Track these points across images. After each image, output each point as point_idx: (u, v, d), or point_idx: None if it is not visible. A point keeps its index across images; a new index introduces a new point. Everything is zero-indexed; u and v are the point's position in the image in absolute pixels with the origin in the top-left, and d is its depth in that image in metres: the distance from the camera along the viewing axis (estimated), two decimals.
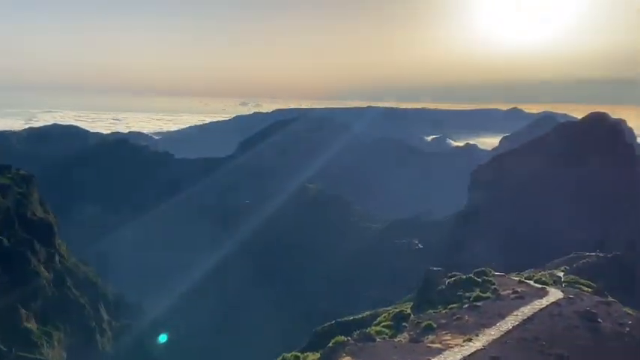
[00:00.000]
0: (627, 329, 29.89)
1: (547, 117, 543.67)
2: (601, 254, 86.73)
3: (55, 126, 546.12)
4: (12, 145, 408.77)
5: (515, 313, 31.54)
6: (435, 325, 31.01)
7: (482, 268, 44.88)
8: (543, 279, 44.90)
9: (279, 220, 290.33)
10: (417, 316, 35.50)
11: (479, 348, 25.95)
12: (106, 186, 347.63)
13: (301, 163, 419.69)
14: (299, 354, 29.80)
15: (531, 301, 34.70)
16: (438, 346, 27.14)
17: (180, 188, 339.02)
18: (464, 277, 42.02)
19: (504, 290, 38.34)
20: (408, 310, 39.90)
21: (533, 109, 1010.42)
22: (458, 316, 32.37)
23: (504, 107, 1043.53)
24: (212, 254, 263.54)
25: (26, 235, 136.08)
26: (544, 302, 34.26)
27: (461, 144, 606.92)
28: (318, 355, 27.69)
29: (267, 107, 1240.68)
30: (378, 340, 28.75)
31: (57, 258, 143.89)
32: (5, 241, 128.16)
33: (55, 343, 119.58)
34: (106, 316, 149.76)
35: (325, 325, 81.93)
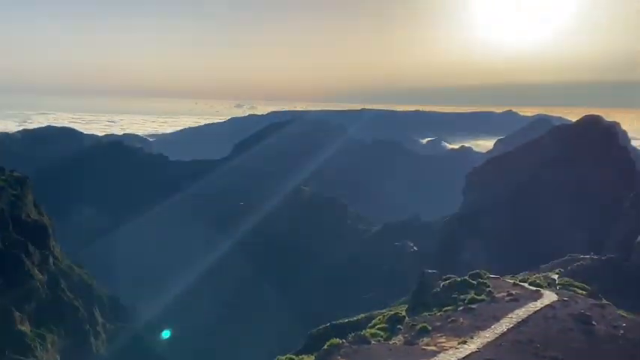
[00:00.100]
0: (621, 332, 29.97)
1: (542, 120, 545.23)
2: (595, 257, 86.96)
3: (49, 128, 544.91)
4: (6, 146, 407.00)
5: (509, 316, 31.59)
6: (429, 328, 31.05)
7: (477, 271, 44.92)
8: (538, 281, 44.99)
9: (274, 222, 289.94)
10: (412, 319, 35.52)
11: (473, 350, 25.99)
12: (100, 188, 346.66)
13: (296, 165, 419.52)
14: (294, 356, 29.80)
15: (526, 303, 34.76)
16: (433, 348, 27.16)
17: (175, 190, 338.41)
18: (458, 279, 42.06)
19: (499, 293, 38.39)
20: (403, 313, 39.93)
21: (528, 111, 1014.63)
22: (453, 318, 32.40)
23: (499, 110, 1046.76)
24: (207, 256, 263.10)
25: (20, 237, 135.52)
26: (538, 305, 34.33)
27: (456, 146, 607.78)
28: (313, 357, 27.70)
29: (261, 109, 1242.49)
30: (372, 342, 28.79)
31: (51, 260, 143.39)
32: None
33: (49, 346, 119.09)
34: (100, 319, 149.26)
35: (320, 327, 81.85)
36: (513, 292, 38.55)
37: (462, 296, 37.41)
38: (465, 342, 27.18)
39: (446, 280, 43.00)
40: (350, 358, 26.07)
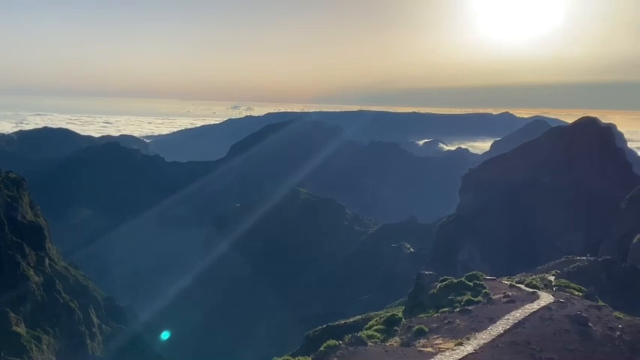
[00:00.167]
0: (618, 333, 29.96)
1: (538, 121, 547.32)
2: (592, 258, 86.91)
3: (45, 129, 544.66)
4: (2, 147, 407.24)
5: (506, 317, 31.55)
6: (426, 329, 31.01)
7: (474, 272, 44.85)
8: (534, 283, 44.96)
9: (270, 223, 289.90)
10: (409, 320, 35.48)
11: (470, 352, 25.95)
12: (96, 189, 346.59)
13: (293, 166, 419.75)
14: (290, 358, 29.71)
15: (522, 305, 34.72)
16: (430, 350, 27.13)
17: (171, 192, 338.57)
18: (455, 280, 42.01)
19: (495, 294, 38.36)
20: (400, 314, 39.87)
21: (525, 113, 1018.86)
22: (449, 320, 32.37)
23: (496, 112, 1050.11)
24: (203, 257, 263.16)
25: (16, 239, 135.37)
26: (535, 306, 34.29)
27: (453, 148, 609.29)
28: (309, 358, 27.60)
29: (258, 111, 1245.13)
30: (369, 344, 28.72)
31: (47, 261, 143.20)
32: None
33: (45, 347, 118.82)
34: (96, 320, 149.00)
35: (317, 329, 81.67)
36: (510, 293, 38.52)
37: (458, 298, 37.36)
38: (461, 343, 27.14)
39: (442, 281, 42.95)
40: None
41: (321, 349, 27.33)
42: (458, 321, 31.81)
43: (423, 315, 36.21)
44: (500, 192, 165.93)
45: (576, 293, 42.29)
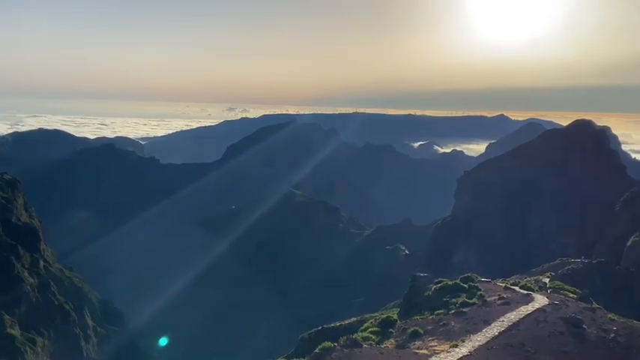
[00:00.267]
0: (612, 335, 30.08)
1: (533, 124, 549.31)
2: (586, 260, 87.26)
3: (40, 130, 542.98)
4: None
5: (501, 319, 31.64)
6: (421, 331, 31.09)
7: (469, 274, 44.98)
8: (529, 285, 45.09)
9: (265, 225, 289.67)
10: (404, 322, 35.56)
11: (465, 354, 26.03)
12: (92, 191, 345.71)
13: (288, 168, 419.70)
14: None
15: (517, 307, 34.82)
16: (425, 352, 27.19)
17: (167, 194, 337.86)
18: (450, 283, 42.12)
19: (490, 296, 38.46)
20: (395, 316, 40.00)
21: (520, 116, 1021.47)
22: (444, 322, 32.46)
23: (491, 114, 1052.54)
24: (199, 260, 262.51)
25: (10, 241, 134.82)
26: (530, 308, 34.39)
27: (447, 150, 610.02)
28: None
29: (254, 113, 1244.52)
30: (364, 346, 28.77)
31: (41, 263, 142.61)
32: None
33: (39, 350, 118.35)
34: (91, 322, 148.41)
35: (312, 331, 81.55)
36: (504, 295, 38.62)
37: (453, 300, 37.46)
38: (456, 345, 27.22)
39: (437, 283, 43.05)
40: None
41: (316, 351, 27.36)
42: (453, 323, 31.90)
43: (418, 317, 36.30)
44: (495, 194, 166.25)
45: (571, 295, 42.41)
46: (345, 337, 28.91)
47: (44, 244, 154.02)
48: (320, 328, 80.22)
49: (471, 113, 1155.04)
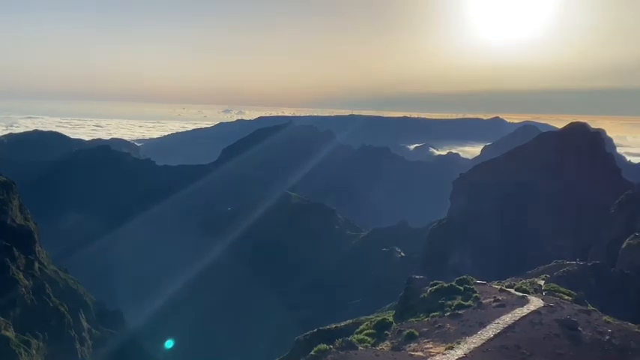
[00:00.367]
0: (607, 338, 30.13)
1: (528, 126, 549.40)
2: (581, 263, 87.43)
3: (35, 132, 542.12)
4: None
5: (496, 321, 31.66)
6: (417, 333, 31.08)
7: (464, 277, 45.05)
8: (524, 287, 45.11)
9: (261, 228, 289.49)
10: (399, 324, 35.57)
11: (460, 356, 26.03)
12: (87, 193, 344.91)
13: (284, 170, 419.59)
14: None
15: (512, 309, 34.85)
16: (420, 354, 27.19)
17: (162, 196, 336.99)
18: (446, 285, 42.16)
19: (486, 298, 38.48)
20: (391, 319, 39.99)
21: (515, 118, 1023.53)
22: (440, 324, 32.46)
23: (486, 117, 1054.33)
24: (194, 262, 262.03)
25: (5, 242, 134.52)
26: (525, 310, 34.42)
27: (443, 153, 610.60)
28: None
29: (250, 114, 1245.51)
30: (360, 348, 28.75)
31: (36, 265, 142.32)
32: None
33: (34, 352, 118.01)
34: (86, 325, 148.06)
35: (307, 333, 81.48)
36: (500, 297, 38.65)
37: (448, 302, 37.49)
38: (451, 347, 27.23)
39: (433, 285, 43.09)
40: None
41: (312, 353, 27.37)
42: (448, 325, 31.92)
43: (413, 319, 36.31)
44: (490, 197, 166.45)
45: (566, 297, 42.47)
46: (340, 340, 28.89)
47: (39, 246, 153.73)
48: (316, 330, 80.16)
49: (467, 116, 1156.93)
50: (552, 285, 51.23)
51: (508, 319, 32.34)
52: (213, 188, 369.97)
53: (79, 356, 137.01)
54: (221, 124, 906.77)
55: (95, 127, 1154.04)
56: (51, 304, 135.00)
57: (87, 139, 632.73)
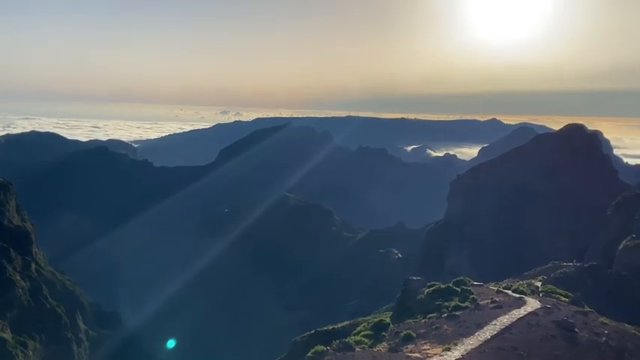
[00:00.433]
0: (604, 339, 30.20)
1: (525, 128, 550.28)
2: (578, 264, 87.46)
3: (33, 133, 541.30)
4: None
5: (493, 323, 31.70)
6: (414, 335, 31.10)
7: (461, 278, 45.09)
8: (521, 289, 45.16)
9: (259, 229, 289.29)
10: (397, 326, 35.58)
11: (457, 357, 26.06)
12: (84, 194, 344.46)
13: (282, 172, 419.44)
14: None
15: (509, 310, 34.92)
16: (417, 355, 27.21)
17: (160, 197, 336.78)
18: (443, 286, 42.18)
19: (483, 300, 38.55)
20: (388, 320, 40.01)
21: (512, 120, 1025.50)
22: (437, 325, 32.49)
23: (483, 118, 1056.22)
24: (191, 264, 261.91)
25: (2, 243, 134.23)
26: (522, 312, 34.49)
27: (440, 154, 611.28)
28: None
29: (247, 116, 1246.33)
30: (357, 349, 28.79)
31: (33, 266, 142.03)
32: None
33: (31, 353, 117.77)
34: (83, 326, 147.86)
35: (304, 334, 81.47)
36: (497, 299, 38.71)
37: (446, 303, 37.54)
38: (448, 349, 27.26)
39: (430, 287, 43.11)
40: None
41: (309, 354, 27.39)
42: (445, 326, 31.95)
43: (410, 320, 36.32)
44: (487, 198, 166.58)
45: (563, 299, 42.56)
46: (337, 341, 28.92)
47: (36, 247, 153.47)
48: (313, 331, 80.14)
49: (464, 117, 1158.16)
50: (549, 286, 51.30)
51: (505, 320, 32.39)
52: (211, 189, 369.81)
53: (76, 358, 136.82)
54: (218, 125, 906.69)
55: (92, 128, 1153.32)
56: (48, 306, 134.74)
57: (84, 140, 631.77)
